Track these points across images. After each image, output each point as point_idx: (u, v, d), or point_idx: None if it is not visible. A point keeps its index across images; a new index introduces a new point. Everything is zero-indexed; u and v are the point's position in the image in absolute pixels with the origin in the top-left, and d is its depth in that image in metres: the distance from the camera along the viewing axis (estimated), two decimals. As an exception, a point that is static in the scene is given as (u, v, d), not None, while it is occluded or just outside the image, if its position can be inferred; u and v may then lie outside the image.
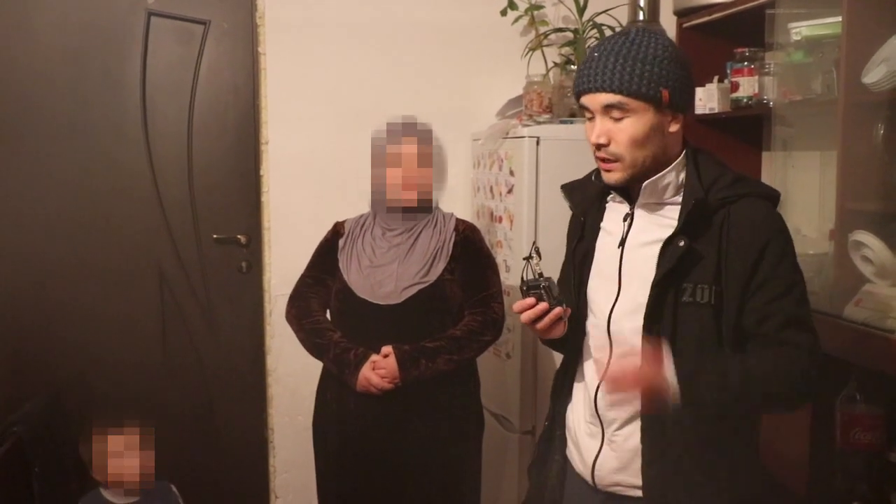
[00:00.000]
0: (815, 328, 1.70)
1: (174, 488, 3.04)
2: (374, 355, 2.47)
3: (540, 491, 1.96)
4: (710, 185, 1.70)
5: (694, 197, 1.69)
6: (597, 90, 1.68)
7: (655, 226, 1.74)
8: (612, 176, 1.74)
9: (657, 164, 1.72)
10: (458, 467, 2.58)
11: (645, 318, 1.71)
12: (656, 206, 1.76)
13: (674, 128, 1.70)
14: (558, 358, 2.93)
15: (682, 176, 1.73)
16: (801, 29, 2.38)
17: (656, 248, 1.71)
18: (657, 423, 1.72)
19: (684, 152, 1.74)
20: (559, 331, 1.83)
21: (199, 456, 3.41)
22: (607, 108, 1.68)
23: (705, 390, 1.61)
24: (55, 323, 3.32)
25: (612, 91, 1.66)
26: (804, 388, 1.66)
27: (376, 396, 2.46)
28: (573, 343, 1.88)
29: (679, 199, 1.73)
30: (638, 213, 1.78)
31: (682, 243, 1.67)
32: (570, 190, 1.94)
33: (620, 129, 1.68)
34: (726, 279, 1.66)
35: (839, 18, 2.23)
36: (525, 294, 1.78)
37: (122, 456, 2.71)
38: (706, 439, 1.71)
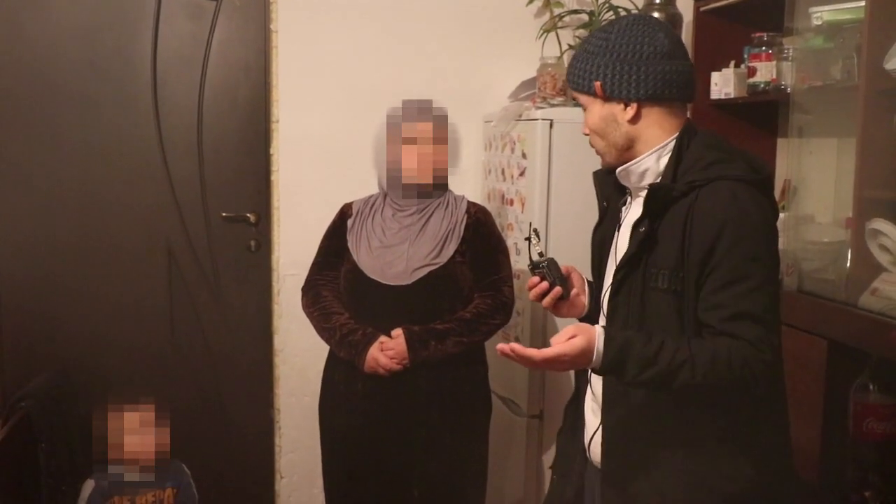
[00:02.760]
0: (770, 322, 1.62)
1: (185, 468, 3.06)
2: (382, 336, 2.46)
3: (568, 460, 1.96)
4: (685, 170, 1.68)
5: (653, 183, 1.70)
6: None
7: (640, 210, 1.74)
8: (601, 162, 1.83)
9: (626, 152, 1.75)
10: (465, 451, 2.58)
11: (608, 300, 1.75)
12: (642, 191, 1.75)
13: (626, 116, 1.71)
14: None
15: (665, 161, 1.72)
16: (823, 13, 2.35)
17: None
18: (618, 404, 1.72)
19: (674, 137, 1.72)
20: (578, 310, 1.91)
21: (204, 435, 3.41)
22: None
23: (630, 366, 1.59)
24: (63, 299, 3.31)
25: (570, 87, 1.81)
26: (745, 381, 1.59)
27: (384, 378, 2.45)
28: (593, 322, 1.87)
29: None
30: (634, 198, 1.81)
31: (642, 228, 1.68)
32: (598, 177, 1.95)
33: (585, 120, 1.78)
34: (687, 266, 1.64)
35: (862, 3, 2.21)
36: (532, 273, 1.87)
37: (137, 433, 2.73)
38: (674, 429, 1.69)
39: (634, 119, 1.71)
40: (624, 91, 1.70)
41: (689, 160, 1.69)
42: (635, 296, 1.70)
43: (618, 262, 1.76)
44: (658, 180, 1.72)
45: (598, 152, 1.81)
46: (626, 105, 1.71)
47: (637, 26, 1.72)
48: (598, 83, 1.70)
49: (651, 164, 1.73)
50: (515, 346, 1.63)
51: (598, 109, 1.74)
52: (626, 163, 1.75)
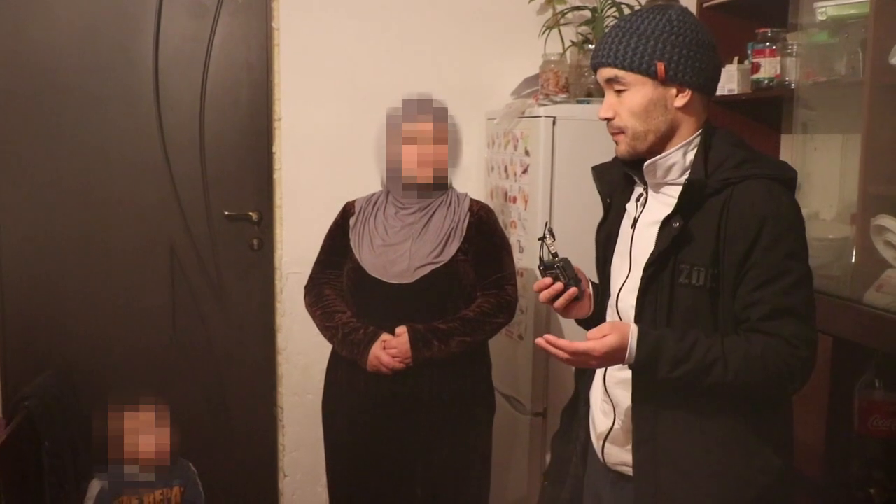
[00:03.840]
0: (810, 318, 1.64)
1: (192, 466, 3.06)
2: (384, 335, 2.45)
3: (563, 465, 1.96)
4: (716, 167, 1.68)
5: (690, 178, 1.68)
6: (598, 65, 1.74)
7: (663, 206, 1.73)
8: (619, 148, 1.77)
9: (663, 140, 1.72)
10: (468, 449, 2.57)
11: (637, 297, 1.73)
12: (666, 186, 1.75)
13: (679, 102, 1.69)
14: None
15: (691, 156, 1.72)
16: (827, 9, 2.34)
17: (658, 228, 1.72)
18: (649, 402, 1.72)
19: (699, 132, 1.72)
20: (584, 310, 1.89)
21: (208, 433, 3.41)
22: (609, 82, 1.73)
23: (662, 363, 1.61)
24: (65, 298, 3.31)
25: (610, 65, 1.71)
26: (782, 379, 1.61)
27: (386, 377, 2.44)
28: (597, 321, 1.88)
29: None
30: (651, 193, 1.79)
31: (676, 224, 1.67)
32: (598, 172, 1.94)
33: (621, 102, 1.72)
34: (724, 263, 1.64)
35: (867, -2, 2.20)
36: (543, 274, 1.82)
37: (138, 434, 2.73)
38: (704, 426, 1.69)
39: (685, 106, 1.70)
40: (687, 76, 1.68)
41: (718, 157, 1.69)
42: (663, 293, 1.69)
43: (633, 258, 1.75)
44: (686, 175, 1.71)
45: (624, 138, 1.74)
46: (680, 91, 1.69)
47: (691, 16, 1.72)
48: (661, 64, 1.66)
49: (678, 158, 1.72)
50: (550, 336, 1.66)
51: (647, 91, 1.69)
52: (651, 152, 1.73)
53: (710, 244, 1.65)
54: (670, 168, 1.73)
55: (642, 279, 1.72)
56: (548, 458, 2.93)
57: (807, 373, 1.64)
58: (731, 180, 1.65)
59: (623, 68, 1.69)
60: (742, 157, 1.68)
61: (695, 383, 1.62)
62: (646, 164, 1.74)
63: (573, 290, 1.80)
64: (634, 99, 1.70)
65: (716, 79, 1.75)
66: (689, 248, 1.67)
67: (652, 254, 1.70)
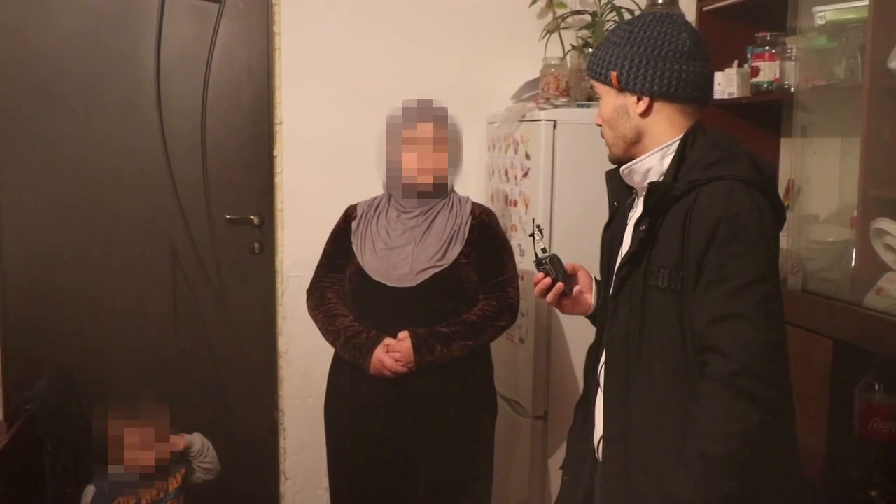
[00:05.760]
0: (762, 324, 1.57)
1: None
2: (387, 338, 2.45)
3: (578, 462, 1.96)
4: (688, 169, 1.68)
5: (651, 181, 1.71)
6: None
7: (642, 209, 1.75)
8: (608, 154, 1.84)
9: (631, 145, 1.76)
10: (471, 452, 2.58)
11: (611, 299, 1.77)
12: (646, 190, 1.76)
13: (638, 109, 1.72)
14: (572, 343, 2.96)
15: (668, 160, 1.73)
16: (826, 13, 2.35)
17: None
18: (620, 401, 1.72)
19: (681, 137, 1.72)
20: (583, 307, 1.94)
21: (209, 436, 3.38)
22: (594, 90, 1.83)
23: None
24: (68, 302, 3.32)
25: (587, 75, 1.85)
26: (751, 415, 1.55)
27: (389, 380, 2.45)
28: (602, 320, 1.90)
29: None
30: (639, 197, 1.80)
31: (642, 227, 1.69)
32: (609, 176, 1.95)
33: (599, 110, 1.81)
34: (687, 265, 1.64)
35: (865, 2, 2.21)
36: (537, 269, 1.90)
37: (139, 449, 2.73)
38: (679, 436, 1.65)
39: (645, 113, 1.72)
40: (638, 84, 1.71)
41: (692, 159, 1.69)
42: (637, 294, 1.70)
43: (619, 261, 1.77)
44: (661, 179, 1.72)
45: (606, 144, 1.81)
46: (639, 98, 1.72)
47: (662, 23, 1.73)
48: (614, 73, 1.72)
49: (655, 162, 1.73)
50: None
51: (611, 99, 1.75)
52: (631, 157, 1.76)
53: (676, 246, 1.65)
54: (647, 172, 1.75)
55: (615, 281, 1.75)
56: (549, 461, 2.96)
57: (770, 384, 1.58)
58: (698, 182, 1.64)
59: (592, 78, 1.79)
60: (714, 159, 1.67)
61: None
62: (622, 169, 1.78)
63: (560, 285, 1.87)
64: (604, 107, 1.78)
65: (683, 84, 1.70)
66: (659, 251, 1.68)
67: (623, 256, 1.73)
